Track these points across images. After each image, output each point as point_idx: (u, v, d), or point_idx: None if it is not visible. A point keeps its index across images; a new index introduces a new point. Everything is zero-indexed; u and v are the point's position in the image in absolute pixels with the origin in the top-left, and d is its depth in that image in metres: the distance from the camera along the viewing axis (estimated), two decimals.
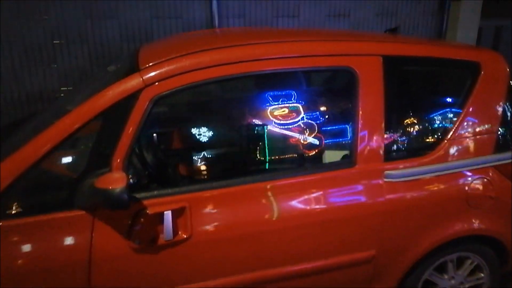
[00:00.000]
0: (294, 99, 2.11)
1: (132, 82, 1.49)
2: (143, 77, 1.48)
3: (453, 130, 1.80)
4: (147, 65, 1.52)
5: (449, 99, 1.91)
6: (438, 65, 1.83)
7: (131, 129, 1.46)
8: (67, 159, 1.57)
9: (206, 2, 3.65)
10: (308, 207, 1.62)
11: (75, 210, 1.41)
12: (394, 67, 1.72)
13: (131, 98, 1.47)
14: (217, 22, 3.68)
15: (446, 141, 1.79)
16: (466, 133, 1.80)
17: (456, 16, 4.16)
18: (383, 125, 1.70)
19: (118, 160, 1.43)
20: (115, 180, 1.30)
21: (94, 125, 1.47)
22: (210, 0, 3.64)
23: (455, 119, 1.82)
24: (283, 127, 2.09)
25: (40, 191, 1.46)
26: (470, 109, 1.80)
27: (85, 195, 1.39)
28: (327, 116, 2.10)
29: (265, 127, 2.05)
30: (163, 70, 1.50)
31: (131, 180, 1.61)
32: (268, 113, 2.09)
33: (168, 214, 1.45)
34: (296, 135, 2.06)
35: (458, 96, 1.83)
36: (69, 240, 1.40)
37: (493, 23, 4.52)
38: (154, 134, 2.13)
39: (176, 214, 1.48)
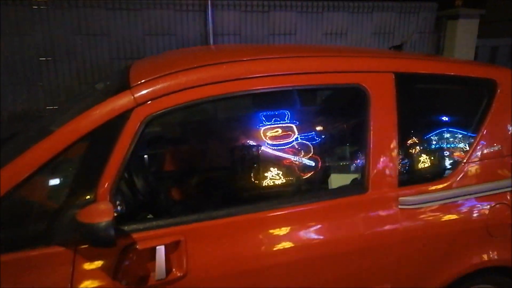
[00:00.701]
0: (290, 119, 1.97)
1: (122, 101, 1.34)
2: (134, 95, 1.34)
3: (470, 152, 1.67)
4: (139, 82, 1.38)
5: (465, 119, 1.79)
6: (454, 83, 1.72)
7: (120, 152, 1.30)
8: (47, 186, 1.39)
9: (201, 19, 3.56)
10: (317, 238, 1.46)
11: (54, 246, 1.22)
12: (407, 85, 1.60)
13: (121, 118, 1.33)
14: (212, 39, 3.59)
15: (463, 164, 1.66)
16: (485, 155, 1.67)
17: (453, 35, 4.13)
18: (397, 146, 1.57)
19: (106, 186, 1.27)
20: (100, 213, 1.13)
21: (79, 147, 1.31)
22: (204, 18, 3.55)
23: (472, 140, 1.70)
24: (283, 148, 1.95)
25: (15, 224, 1.28)
26: (488, 129, 1.68)
27: (65, 229, 1.21)
28: (334, 137, 1.96)
29: (268, 150, 1.90)
30: (156, 87, 1.36)
31: (118, 207, 1.44)
32: (267, 135, 1.94)
33: (160, 250, 1.27)
34: (299, 158, 1.92)
35: (474, 115, 1.71)
36: (46, 281, 1.21)
37: (488, 43, 4.51)
38: (145, 156, 1.97)
39: (170, 249, 1.30)
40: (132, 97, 1.34)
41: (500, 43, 4.54)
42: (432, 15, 4.21)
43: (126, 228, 1.29)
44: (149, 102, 1.34)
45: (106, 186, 1.27)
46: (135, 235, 1.28)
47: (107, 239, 1.11)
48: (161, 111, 1.36)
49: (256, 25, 3.73)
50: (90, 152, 1.34)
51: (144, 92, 1.35)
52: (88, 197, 1.25)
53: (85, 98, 1.81)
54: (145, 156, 1.97)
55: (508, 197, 1.69)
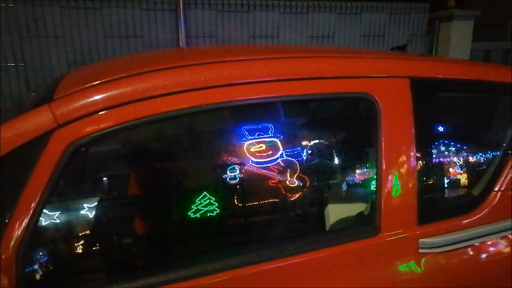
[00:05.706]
0: (273, 134, 1.60)
1: (37, 120, 0.93)
2: (55, 112, 0.93)
3: (504, 175, 1.33)
4: (63, 94, 0.97)
5: (497, 136, 1.44)
6: (485, 91, 1.36)
7: (32, 194, 0.92)
8: None
9: (172, 20, 3.16)
10: None
11: None
12: (427, 93, 1.24)
13: (35, 144, 0.92)
14: (185, 42, 3.18)
15: (494, 192, 1.31)
16: None
17: (447, 37, 3.86)
18: (414, 172, 1.21)
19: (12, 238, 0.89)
20: None
21: None
22: (176, 18, 3.15)
23: (506, 160, 1.35)
24: (265, 170, 1.57)
25: None
26: None
27: None
28: (334, 159, 1.58)
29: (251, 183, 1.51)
30: (87, 100, 0.96)
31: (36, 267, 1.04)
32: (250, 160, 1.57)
33: None
34: (290, 188, 1.54)
35: (507, 131, 1.37)
36: None
37: (482, 46, 4.26)
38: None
39: None
40: (51, 114, 0.93)
41: (494, 47, 4.32)
42: (424, 17, 3.94)
43: None
44: (77, 121, 0.94)
45: (12, 239, 0.87)
46: None
47: None
48: (96, 134, 0.96)
49: (234, 26, 3.36)
50: None
51: (69, 107, 0.94)
52: None
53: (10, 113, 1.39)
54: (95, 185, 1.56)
55: None
